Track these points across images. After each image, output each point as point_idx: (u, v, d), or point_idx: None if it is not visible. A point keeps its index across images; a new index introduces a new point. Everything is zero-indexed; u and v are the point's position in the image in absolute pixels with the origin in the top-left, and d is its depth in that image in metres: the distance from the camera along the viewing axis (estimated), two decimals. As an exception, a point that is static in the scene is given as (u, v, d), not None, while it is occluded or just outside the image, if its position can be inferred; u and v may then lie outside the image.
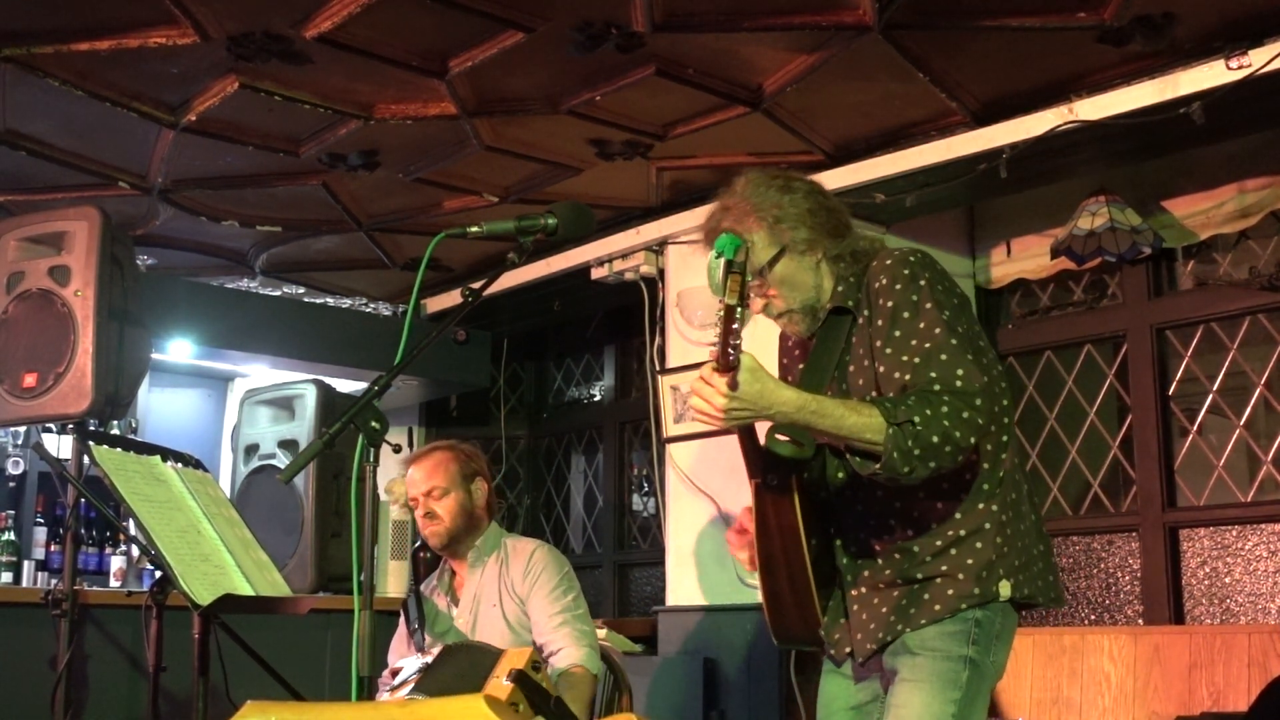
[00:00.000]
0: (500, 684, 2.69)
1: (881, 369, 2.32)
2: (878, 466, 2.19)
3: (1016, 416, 4.92)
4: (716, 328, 2.08)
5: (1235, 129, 3.99)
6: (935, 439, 2.16)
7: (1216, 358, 4.46)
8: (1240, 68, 3.63)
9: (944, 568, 2.34)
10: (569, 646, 3.33)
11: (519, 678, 2.69)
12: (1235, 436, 4.38)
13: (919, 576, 2.35)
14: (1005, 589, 2.33)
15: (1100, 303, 4.80)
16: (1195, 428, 4.48)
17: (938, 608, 2.33)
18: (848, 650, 2.47)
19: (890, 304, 2.33)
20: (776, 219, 2.41)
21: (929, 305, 2.30)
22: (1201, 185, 4.42)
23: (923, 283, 2.32)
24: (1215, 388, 4.44)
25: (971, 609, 2.32)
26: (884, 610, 2.38)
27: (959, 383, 2.22)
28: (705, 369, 2.15)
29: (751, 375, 2.14)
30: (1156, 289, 4.62)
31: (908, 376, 2.26)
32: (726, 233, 2.22)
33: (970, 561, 2.33)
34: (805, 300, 2.46)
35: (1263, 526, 4.22)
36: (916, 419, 2.16)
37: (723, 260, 2.07)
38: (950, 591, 2.33)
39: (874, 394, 2.33)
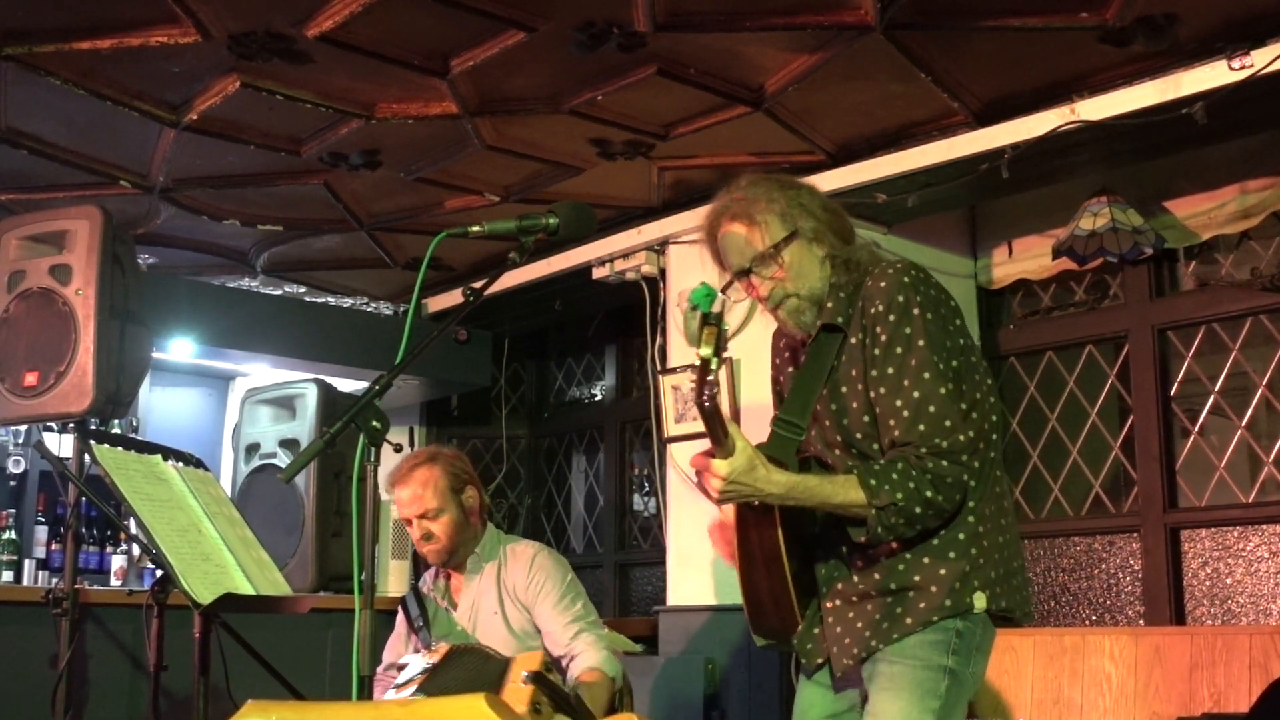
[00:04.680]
0: (519, 687, 2.70)
1: (878, 410, 2.37)
2: (865, 538, 2.31)
3: (1018, 417, 4.93)
4: (692, 379, 2.16)
5: (1237, 129, 3.98)
6: (918, 510, 2.27)
7: (1218, 358, 4.46)
8: (1242, 68, 3.62)
9: (916, 579, 2.36)
10: (587, 651, 3.31)
11: (537, 678, 2.70)
12: (1237, 437, 4.38)
13: (892, 588, 2.37)
14: (980, 601, 2.35)
15: (1102, 303, 4.79)
16: (1197, 428, 4.48)
17: (909, 621, 2.35)
18: (819, 661, 2.48)
19: (885, 337, 2.36)
20: (787, 206, 2.47)
21: (921, 342, 2.33)
22: (1203, 186, 4.42)
23: (915, 311, 2.35)
24: (1217, 388, 4.44)
25: (948, 619, 2.34)
26: (859, 625, 2.40)
27: (945, 442, 2.29)
28: (699, 454, 2.29)
29: (746, 462, 2.25)
30: (1158, 289, 4.62)
31: (897, 432, 2.33)
32: (702, 285, 2.31)
33: (943, 573, 2.34)
34: (812, 288, 2.48)
35: (1264, 527, 4.22)
36: (899, 497, 2.26)
37: (698, 313, 2.14)
38: (922, 604, 2.35)
39: (866, 418, 2.38)
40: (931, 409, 2.30)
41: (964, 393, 2.35)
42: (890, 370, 2.34)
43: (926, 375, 2.31)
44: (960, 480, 2.29)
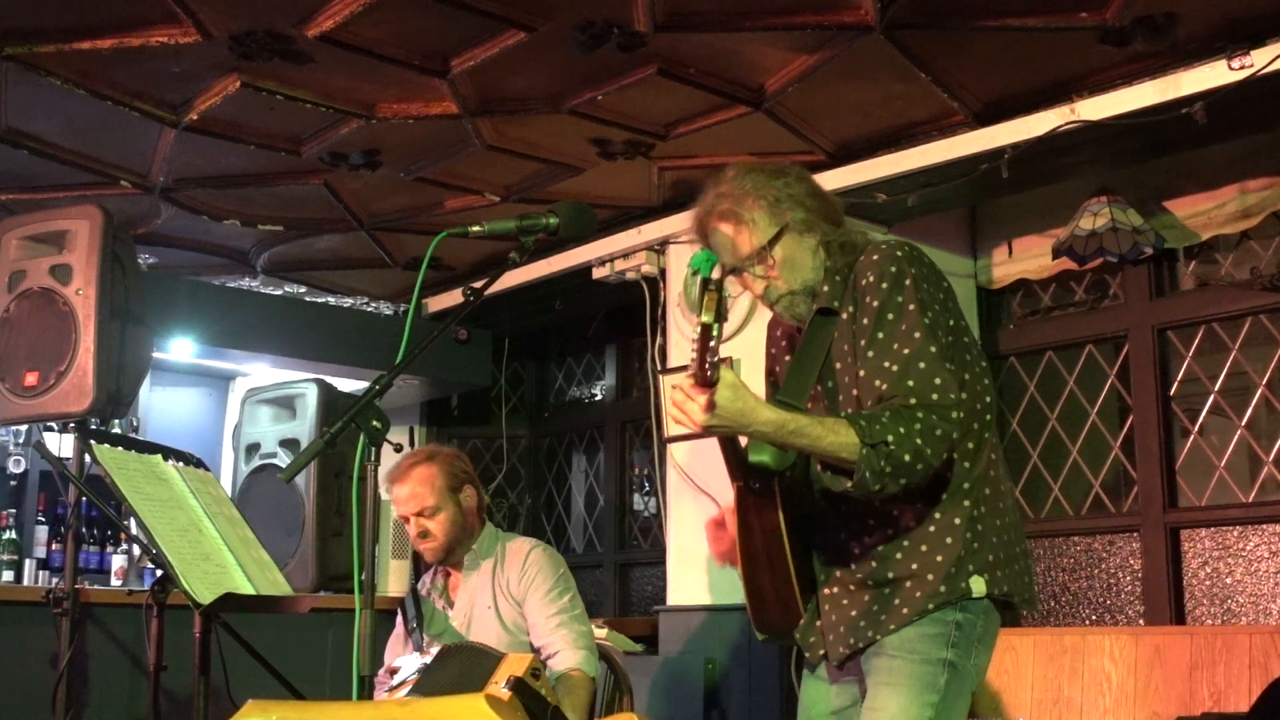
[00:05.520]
0: (499, 689, 2.70)
1: (862, 373, 2.33)
2: (850, 485, 2.22)
3: (1018, 417, 4.93)
4: (693, 344, 2.08)
5: (1237, 129, 3.98)
6: (907, 458, 2.19)
7: (1218, 358, 4.46)
8: (1242, 68, 3.62)
9: (913, 566, 2.33)
10: (566, 649, 3.31)
11: (517, 685, 2.69)
12: (1236, 437, 4.38)
13: (889, 576, 2.35)
14: (979, 585, 2.32)
15: (1102, 303, 4.80)
16: (1196, 428, 4.48)
17: (905, 610, 2.32)
18: (821, 653, 2.47)
19: (875, 304, 2.33)
20: (775, 199, 2.43)
21: (912, 307, 2.31)
22: (1203, 186, 4.42)
23: (908, 281, 2.32)
24: (1217, 388, 4.44)
25: (945, 609, 2.31)
26: (853, 614, 2.38)
27: (935, 395, 2.24)
28: (683, 380, 2.15)
29: (732, 393, 2.15)
30: (1158, 289, 4.62)
31: (885, 386, 2.28)
32: (703, 249, 2.25)
33: (939, 559, 2.32)
34: (806, 280, 2.45)
35: (1264, 527, 4.22)
36: (890, 439, 2.18)
37: (699, 278, 2.08)
38: (918, 593, 2.32)
39: (857, 392, 2.34)
40: (921, 365, 2.26)
41: (953, 371, 2.32)
42: (880, 335, 2.31)
43: (916, 334, 2.28)
44: (949, 435, 2.23)
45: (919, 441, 2.19)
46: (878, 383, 2.29)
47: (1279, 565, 4.17)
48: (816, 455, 2.27)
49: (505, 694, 2.66)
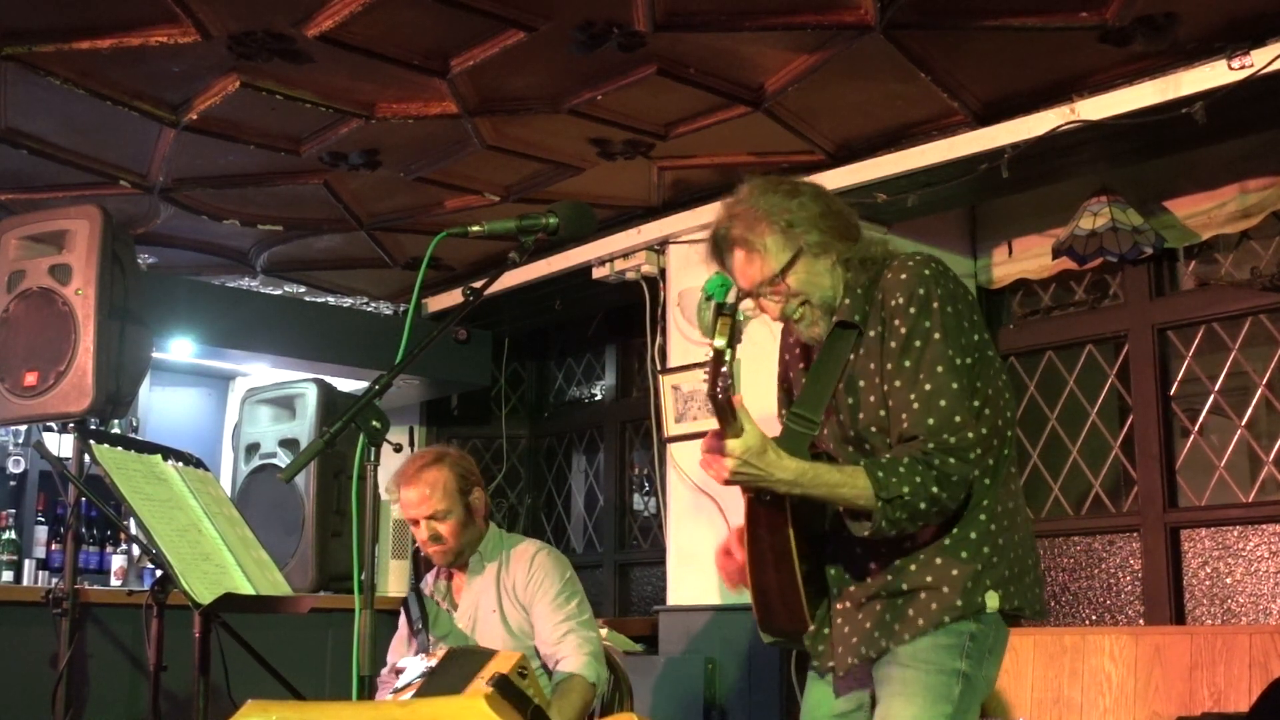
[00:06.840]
0: (481, 686, 2.69)
1: (891, 403, 2.34)
2: (868, 533, 2.28)
3: (1018, 417, 4.92)
4: (706, 369, 2.13)
5: (1237, 129, 3.98)
6: (922, 506, 2.25)
7: (1218, 358, 4.46)
8: (1242, 68, 3.63)
9: (928, 579, 2.34)
10: (570, 655, 3.29)
11: (500, 682, 2.69)
12: (1236, 437, 4.38)
13: (903, 588, 2.36)
14: (993, 600, 2.33)
15: (1102, 303, 4.80)
16: (1196, 428, 4.48)
17: (921, 621, 2.33)
18: (830, 664, 2.47)
19: (904, 329, 2.33)
20: (789, 223, 2.41)
21: (938, 336, 2.31)
22: (1203, 185, 4.42)
23: (934, 304, 2.33)
24: (1217, 388, 4.44)
25: (960, 621, 2.31)
26: (867, 625, 2.39)
27: (954, 438, 2.27)
28: (711, 438, 2.25)
29: (758, 444, 2.22)
30: (1158, 289, 4.62)
31: (906, 425, 2.31)
32: (717, 273, 2.27)
33: (955, 573, 2.33)
34: (824, 297, 2.45)
35: (1264, 527, 4.22)
36: (905, 491, 2.23)
37: (713, 303, 2.12)
38: (934, 605, 2.32)
39: (883, 413, 2.36)
40: (942, 403, 2.28)
41: (978, 389, 2.34)
42: (906, 363, 2.32)
43: (940, 369, 2.29)
44: (966, 478, 2.27)
45: (934, 489, 2.24)
46: (902, 415, 2.32)
47: (1279, 565, 4.17)
48: (834, 502, 2.33)
49: (485, 690, 2.66)
